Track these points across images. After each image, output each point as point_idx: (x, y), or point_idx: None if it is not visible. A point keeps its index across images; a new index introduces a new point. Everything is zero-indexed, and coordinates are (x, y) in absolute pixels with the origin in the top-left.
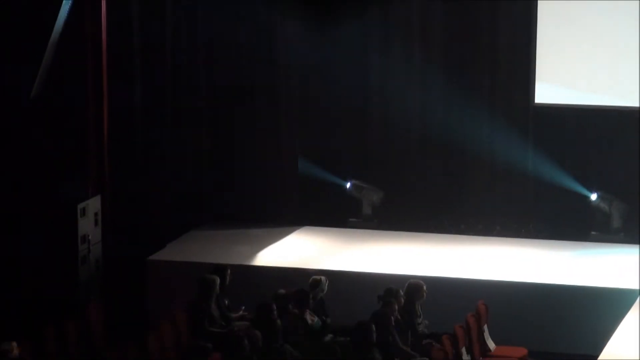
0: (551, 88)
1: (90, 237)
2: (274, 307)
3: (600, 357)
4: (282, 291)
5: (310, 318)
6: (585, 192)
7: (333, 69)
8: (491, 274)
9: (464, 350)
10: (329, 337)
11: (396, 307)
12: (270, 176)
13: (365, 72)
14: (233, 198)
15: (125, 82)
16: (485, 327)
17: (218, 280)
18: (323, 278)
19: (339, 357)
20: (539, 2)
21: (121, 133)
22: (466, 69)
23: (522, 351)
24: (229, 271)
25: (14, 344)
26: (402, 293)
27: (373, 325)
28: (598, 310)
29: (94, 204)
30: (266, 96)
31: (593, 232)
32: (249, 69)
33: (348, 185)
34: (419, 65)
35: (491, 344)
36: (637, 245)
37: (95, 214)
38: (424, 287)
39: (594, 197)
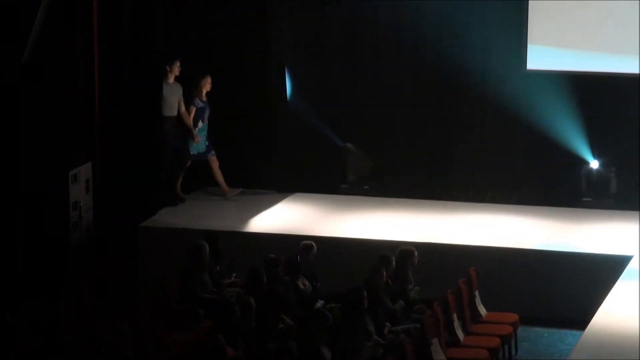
0: (545, 52)
1: (81, 204)
2: (265, 273)
3: (591, 322)
4: (272, 257)
5: (301, 284)
6: (585, 157)
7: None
8: (482, 240)
9: (455, 316)
10: (319, 303)
11: (388, 273)
12: (261, 142)
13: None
14: (224, 165)
15: (117, 50)
16: (477, 293)
17: (207, 247)
18: (313, 244)
19: (330, 323)
20: None
21: (112, 99)
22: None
23: (514, 317)
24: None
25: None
26: (393, 259)
27: (364, 292)
28: (589, 276)
29: (85, 171)
30: (253, 60)
31: (585, 199)
32: (237, 32)
33: (345, 143)
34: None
35: (482, 310)
36: (629, 212)
37: (87, 181)
38: (416, 254)
39: (594, 163)
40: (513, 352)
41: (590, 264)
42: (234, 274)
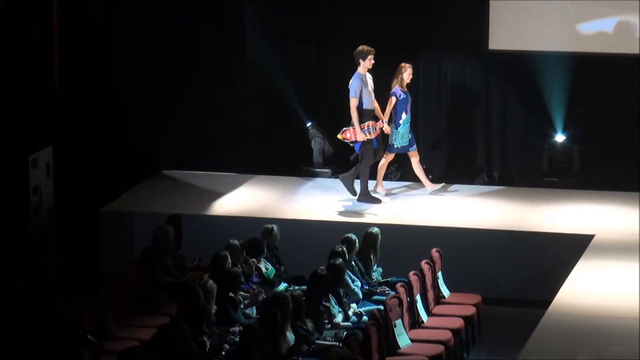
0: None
1: (42, 189)
2: (228, 256)
3: (553, 302)
4: (235, 241)
5: (264, 267)
6: (549, 134)
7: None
8: (445, 221)
9: (418, 297)
10: (282, 285)
11: (351, 255)
12: (223, 125)
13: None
14: (186, 148)
15: (77, 33)
16: (440, 274)
17: (172, 230)
18: (275, 227)
19: (293, 306)
20: None
21: (72, 83)
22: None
23: (476, 298)
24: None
25: None
26: (357, 241)
27: (328, 274)
28: (551, 255)
29: (45, 155)
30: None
31: (547, 178)
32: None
33: (309, 124)
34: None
35: (445, 291)
36: (592, 191)
37: (47, 165)
38: (379, 235)
39: (559, 137)
40: (477, 333)
41: (552, 243)
42: (197, 257)
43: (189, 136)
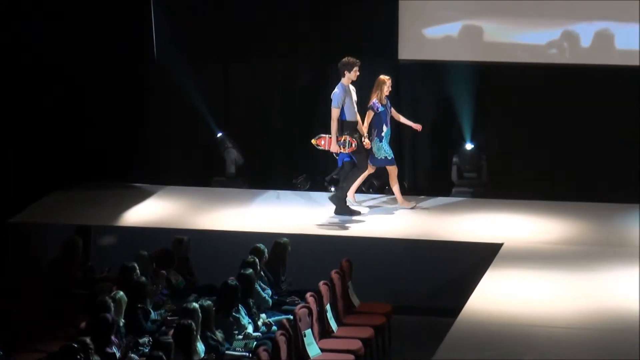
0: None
1: None
2: (137, 267)
3: (463, 310)
4: (144, 252)
5: (174, 278)
6: (459, 144)
7: None
8: (355, 231)
9: (328, 307)
10: (193, 296)
11: (261, 265)
12: (132, 136)
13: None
14: (95, 159)
15: None
16: (350, 283)
17: (81, 242)
18: (186, 238)
19: (203, 317)
20: None
21: None
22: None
23: (387, 307)
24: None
25: None
26: (267, 251)
27: (238, 284)
28: (461, 264)
29: None
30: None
31: (456, 188)
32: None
33: (220, 134)
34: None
35: (356, 301)
36: (499, 200)
37: None
38: (289, 245)
39: (468, 146)
40: (387, 342)
41: (461, 252)
42: (107, 269)
43: (97, 147)
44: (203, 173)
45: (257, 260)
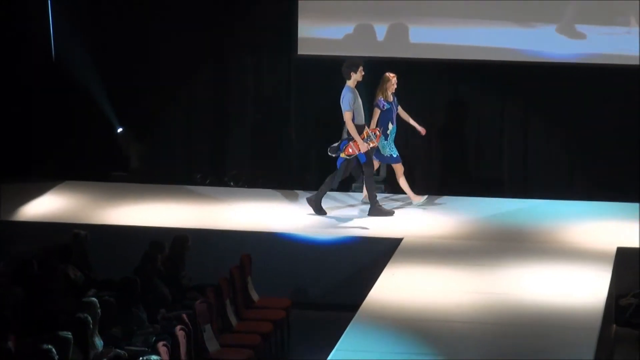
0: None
1: None
2: (35, 262)
3: (362, 305)
4: (42, 247)
5: (72, 272)
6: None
7: None
8: (254, 226)
9: (228, 302)
10: (92, 291)
11: (161, 259)
12: (28, 130)
13: None
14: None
15: None
16: (249, 278)
17: None
18: (84, 232)
19: (102, 312)
20: None
21: None
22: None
23: (286, 302)
24: None
25: None
26: (166, 246)
27: (137, 279)
28: (361, 259)
29: None
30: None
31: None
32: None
33: (120, 129)
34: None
35: (255, 295)
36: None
37: None
38: (189, 240)
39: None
40: (286, 337)
41: (361, 247)
42: (1, 263)
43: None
44: (102, 168)
45: (156, 255)
